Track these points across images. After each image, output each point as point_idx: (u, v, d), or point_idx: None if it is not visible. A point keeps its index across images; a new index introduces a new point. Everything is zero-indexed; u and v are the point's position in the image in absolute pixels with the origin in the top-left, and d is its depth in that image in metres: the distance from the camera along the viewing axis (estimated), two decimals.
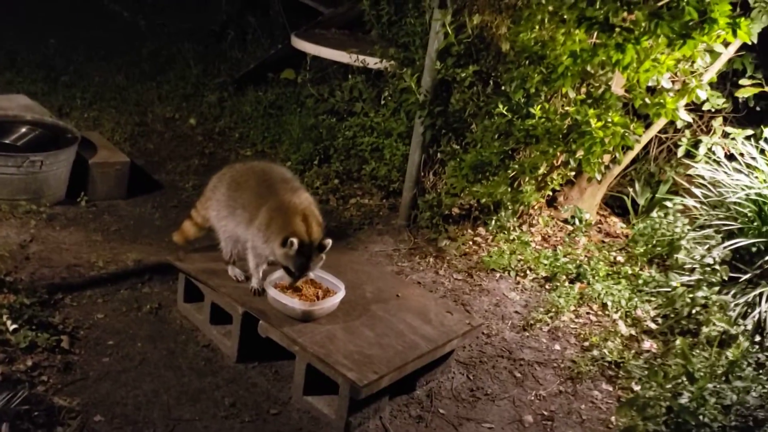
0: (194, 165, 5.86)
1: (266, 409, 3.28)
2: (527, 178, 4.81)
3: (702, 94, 4.19)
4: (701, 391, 3.23)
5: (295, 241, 3.20)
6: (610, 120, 4.13)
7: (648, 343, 4.07)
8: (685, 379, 3.56)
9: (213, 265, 3.72)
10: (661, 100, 4.09)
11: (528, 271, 4.69)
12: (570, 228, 5.32)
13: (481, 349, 3.94)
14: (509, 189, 4.76)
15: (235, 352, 3.54)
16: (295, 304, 3.32)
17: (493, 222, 4.97)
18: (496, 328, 4.14)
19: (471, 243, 4.94)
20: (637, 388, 3.68)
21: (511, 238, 4.98)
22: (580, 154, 4.36)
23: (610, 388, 3.72)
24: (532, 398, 3.61)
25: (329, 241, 3.34)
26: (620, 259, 4.96)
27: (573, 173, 5.03)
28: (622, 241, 5.30)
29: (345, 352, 3.19)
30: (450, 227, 5.04)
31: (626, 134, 4.17)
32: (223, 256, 3.66)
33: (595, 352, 3.94)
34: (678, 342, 3.88)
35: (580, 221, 5.33)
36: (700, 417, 3.10)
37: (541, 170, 4.81)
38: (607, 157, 4.69)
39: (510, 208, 4.92)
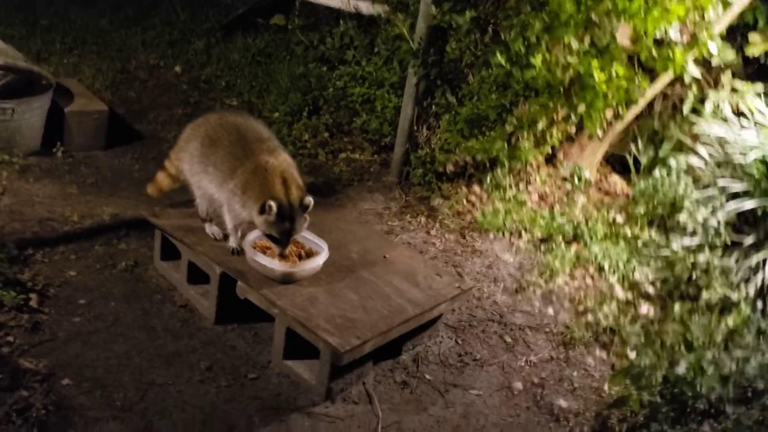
0: (177, 115, 5.61)
1: (244, 374, 3.13)
2: (525, 134, 4.58)
3: (713, 48, 3.94)
4: (699, 360, 3.08)
5: (273, 204, 3.00)
6: (614, 73, 3.89)
7: (645, 308, 3.91)
8: (682, 347, 3.42)
9: (190, 221, 3.53)
10: (669, 53, 3.84)
11: (523, 232, 4.51)
12: (569, 186, 5.11)
13: (472, 313, 3.78)
14: (506, 145, 4.54)
15: (213, 313, 3.37)
16: (275, 266, 3.14)
17: (489, 180, 4.76)
18: (488, 291, 3.97)
19: (465, 202, 4.74)
20: (632, 355, 3.53)
21: (507, 197, 4.78)
22: (581, 108, 4.13)
23: (604, 355, 3.58)
24: (523, 364, 3.46)
25: (311, 199, 3.14)
26: (619, 219, 4.76)
27: (574, 129, 4.80)
28: (622, 200, 5.09)
29: (327, 316, 3.02)
30: (443, 185, 4.83)
31: (631, 88, 3.93)
32: (198, 213, 3.47)
33: (590, 317, 3.79)
34: (676, 308, 3.72)
35: (580, 180, 5.12)
36: (697, 387, 2.95)
37: (541, 125, 4.57)
38: (609, 113, 4.46)
39: (506, 165, 4.70)
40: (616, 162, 5.56)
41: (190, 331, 3.33)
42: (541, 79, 4.17)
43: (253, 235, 3.30)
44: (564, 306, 3.92)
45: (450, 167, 5.00)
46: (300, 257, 3.29)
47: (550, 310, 3.87)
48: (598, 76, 3.90)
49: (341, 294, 3.20)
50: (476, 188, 4.89)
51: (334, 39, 5.88)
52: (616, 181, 5.42)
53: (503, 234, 4.50)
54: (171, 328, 3.32)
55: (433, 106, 4.83)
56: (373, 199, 4.75)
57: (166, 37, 6.86)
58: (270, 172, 3.15)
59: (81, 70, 5.94)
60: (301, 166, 4.97)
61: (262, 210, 3.03)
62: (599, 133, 4.31)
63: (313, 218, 3.31)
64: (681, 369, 3.07)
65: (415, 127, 4.88)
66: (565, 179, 5.21)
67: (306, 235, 3.36)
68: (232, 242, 3.34)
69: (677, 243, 4.07)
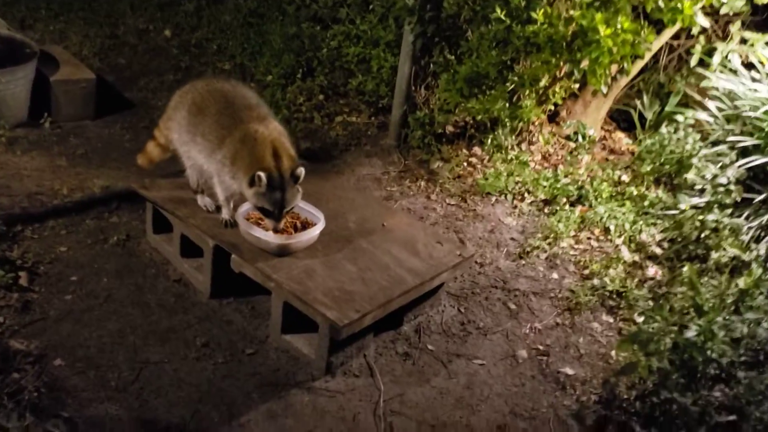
0: (168, 81, 5.44)
1: (241, 349, 3.05)
2: (527, 92, 4.43)
3: None
4: (710, 324, 2.98)
5: (263, 175, 2.87)
6: (619, 26, 3.71)
7: (652, 270, 3.81)
8: (692, 310, 3.32)
9: (182, 193, 3.41)
10: (678, 4, 3.66)
11: (526, 194, 4.39)
12: (572, 145, 4.96)
13: (474, 280, 3.68)
14: (507, 104, 4.39)
15: (208, 287, 3.28)
16: (270, 237, 3.03)
17: (490, 141, 4.62)
18: (491, 257, 3.87)
19: (465, 164, 4.61)
20: (639, 319, 3.43)
21: (509, 158, 4.64)
22: (585, 64, 3.96)
23: (611, 320, 3.49)
24: (527, 331, 3.38)
25: (302, 170, 3.01)
26: (625, 178, 4.63)
27: (577, 85, 4.64)
28: (627, 158, 4.95)
29: (324, 289, 2.93)
30: (443, 147, 4.69)
31: (637, 42, 3.76)
32: (190, 185, 3.35)
33: (596, 281, 3.69)
34: (685, 269, 3.62)
35: (584, 138, 4.97)
36: (708, 352, 2.86)
37: (543, 82, 4.42)
38: (614, 68, 4.28)
39: (508, 125, 4.56)
40: (620, 118, 5.42)
41: (185, 306, 3.24)
42: (542, 34, 3.99)
43: (246, 206, 3.18)
44: (569, 270, 3.82)
45: (450, 128, 4.86)
46: (296, 228, 3.18)
47: (555, 275, 3.78)
48: (603, 30, 3.72)
49: (339, 265, 3.10)
50: (477, 149, 4.75)
51: None
52: (621, 138, 5.28)
53: (505, 197, 4.38)
54: (165, 304, 3.23)
55: (431, 65, 4.66)
56: (371, 163, 4.62)
57: (155, 0, 6.62)
58: (259, 141, 3.02)
59: (68, 37, 5.75)
60: (295, 131, 4.85)
61: (252, 182, 2.91)
62: (604, 89, 4.14)
63: (309, 187, 3.20)
64: (690, 333, 2.97)
65: (413, 88, 4.71)
66: (568, 138, 5.06)
67: (302, 205, 3.24)
68: (225, 214, 3.23)
69: (685, 202, 3.94)
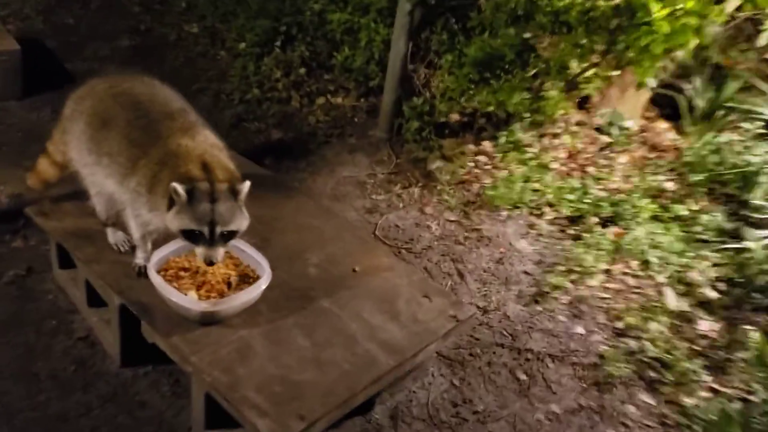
0: (122, 47, 4.57)
1: None
2: (553, 81, 3.51)
3: None
4: None
5: (178, 186, 2.04)
6: (680, 6, 2.77)
7: (705, 325, 2.96)
8: (759, 386, 2.50)
9: (93, 222, 2.57)
10: None
11: (546, 209, 3.52)
12: (605, 140, 4.06)
13: (474, 334, 2.86)
14: (527, 95, 3.48)
15: (118, 352, 2.48)
16: (188, 303, 2.21)
17: (504, 138, 3.72)
18: (497, 299, 3.03)
19: (472, 165, 3.73)
20: (688, 401, 2.61)
21: (526, 157, 3.76)
22: (630, 53, 3.04)
23: (652, 401, 2.66)
24: (541, 418, 2.56)
25: (246, 184, 2.15)
26: (670, 186, 3.73)
27: (618, 73, 3.70)
28: (671, 157, 4.04)
29: (260, 381, 2.12)
30: (445, 142, 3.82)
31: (702, 26, 2.82)
32: (97, 215, 2.51)
33: (632, 342, 2.85)
34: (755, 339, 2.76)
35: (620, 130, 4.06)
36: None
37: (574, 68, 3.49)
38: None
39: (527, 118, 3.65)
40: (664, 102, 4.45)
41: (87, 378, 2.44)
42: (575, 10, 3.06)
43: (165, 251, 2.35)
44: (598, 321, 2.98)
45: (454, 117, 3.96)
46: (229, 285, 2.34)
47: (580, 329, 2.94)
48: (656, 9, 2.78)
49: (288, 338, 2.28)
50: (487, 145, 3.87)
51: None
52: (664, 130, 4.35)
53: (520, 211, 3.51)
54: (61, 376, 2.44)
55: (433, 41, 3.73)
56: (355, 161, 3.75)
57: None
58: (182, 157, 2.16)
59: None
60: (267, 116, 3.98)
61: (172, 202, 2.08)
62: (651, 83, 3.22)
63: (262, 211, 2.37)
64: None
65: (410, 68, 3.81)
66: (599, 129, 4.15)
67: (242, 247, 2.41)
68: (140, 258, 2.40)
69: (751, 237, 3.06)
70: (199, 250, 2.13)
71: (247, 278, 2.37)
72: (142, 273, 2.37)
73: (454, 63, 3.55)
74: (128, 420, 2.33)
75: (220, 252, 2.14)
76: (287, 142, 3.87)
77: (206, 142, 2.27)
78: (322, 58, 4.39)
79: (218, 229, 2.10)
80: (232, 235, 2.15)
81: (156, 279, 2.24)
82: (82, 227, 2.57)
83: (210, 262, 2.14)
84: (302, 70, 4.37)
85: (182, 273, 2.34)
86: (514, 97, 3.40)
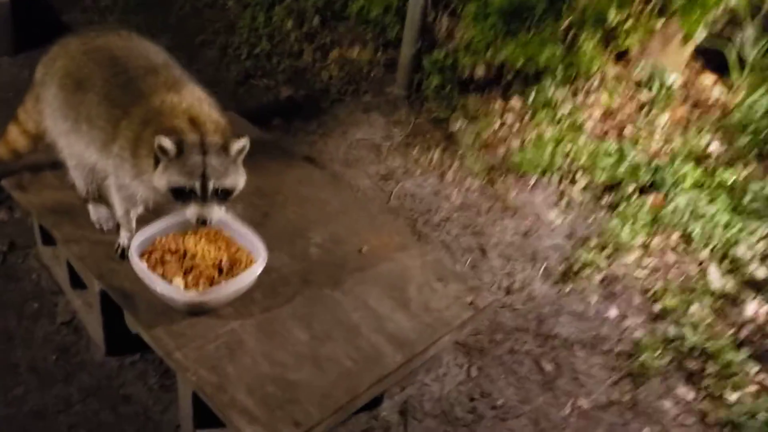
0: None
1: None
2: (589, 33, 3.15)
3: None
4: None
5: (165, 139, 1.80)
6: None
7: (752, 307, 2.67)
8: None
9: (75, 195, 2.34)
10: None
11: (579, 175, 3.21)
12: (645, 96, 3.70)
13: (495, 317, 2.60)
14: (560, 48, 3.14)
15: (103, 340, 2.28)
16: (173, 293, 1.97)
17: (534, 94, 3.39)
18: (522, 277, 2.77)
19: (498, 126, 3.42)
20: (732, 397, 2.35)
21: (558, 117, 3.43)
22: (678, 2, 2.67)
23: (691, 394, 2.40)
24: (567, 413, 2.32)
25: (245, 140, 1.90)
26: (715, 149, 3.39)
27: (661, 22, 3.32)
28: (718, 116, 3.67)
29: (251, 381, 1.89)
30: (468, 99, 3.49)
31: None
32: (77, 191, 2.27)
33: (671, 328, 2.57)
34: None
35: (662, 86, 3.69)
36: None
37: (612, 19, 3.13)
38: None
39: (560, 75, 3.31)
40: (710, 55, 4.05)
41: (69, 369, 2.25)
42: None
43: (150, 231, 2.11)
44: (633, 304, 2.70)
45: (479, 72, 3.62)
46: (221, 270, 2.10)
47: (613, 311, 2.67)
48: None
49: (282, 331, 2.04)
50: (516, 102, 3.54)
51: None
52: (709, 84, 3.95)
53: (549, 178, 3.21)
54: (40, 367, 2.25)
55: None
56: (370, 122, 3.46)
57: None
58: (166, 114, 1.91)
59: None
60: (276, 73, 3.69)
61: (158, 160, 1.85)
62: (701, 34, 2.85)
63: (262, 181, 2.13)
64: None
65: (431, 17, 3.47)
66: (639, 84, 3.78)
67: (235, 227, 2.16)
68: (123, 237, 2.17)
69: None
70: (191, 210, 1.88)
71: (236, 263, 2.12)
72: (125, 255, 2.14)
73: (479, 12, 3.21)
74: (110, 417, 2.14)
75: (214, 210, 1.89)
76: (298, 101, 3.58)
77: (193, 96, 2.00)
78: (337, 7, 4.05)
79: (211, 184, 1.86)
80: (227, 194, 1.91)
81: (138, 265, 2.01)
82: (63, 201, 2.34)
83: (203, 221, 1.89)
84: (316, 21, 4.04)
85: (168, 257, 2.10)
86: (545, 52, 3.05)
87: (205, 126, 1.91)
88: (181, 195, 1.88)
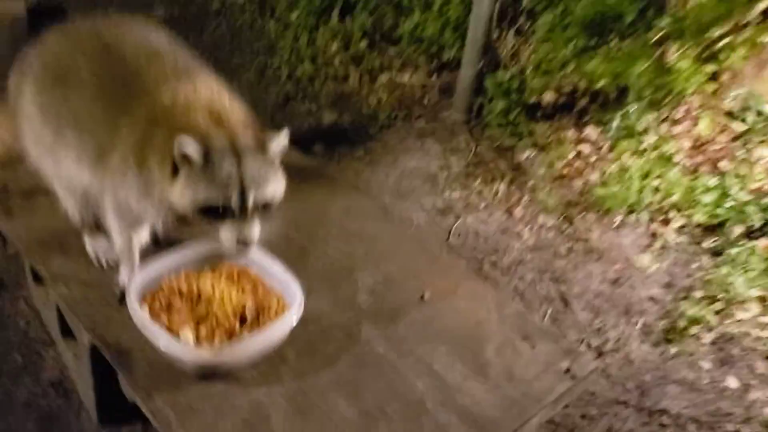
0: (156, 17, 3.94)
1: None
2: (685, 46, 2.67)
3: None
4: None
5: (189, 142, 1.39)
6: None
7: None
8: None
9: (70, 222, 1.91)
10: None
11: (673, 213, 2.70)
12: (738, 127, 3.19)
13: (587, 387, 2.07)
14: (652, 64, 2.67)
15: (94, 405, 1.81)
16: (178, 350, 1.51)
17: (617, 121, 2.91)
18: (616, 335, 2.25)
19: (573, 156, 2.94)
20: None
21: (643, 147, 2.94)
22: None
23: None
24: None
25: (284, 135, 1.49)
26: None
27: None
28: None
29: None
30: (537, 126, 3.04)
31: None
32: (70, 219, 1.84)
33: None
34: None
35: (758, 115, 3.19)
36: None
37: (713, 32, 2.65)
38: None
39: (647, 96, 2.83)
40: None
41: None
42: None
43: (155, 269, 1.66)
44: (756, 370, 2.16)
45: (549, 98, 3.17)
46: (243, 320, 1.63)
47: (732, 380, 2.13)
48: None
49: (322, 404, 1.55)
50: (591, 131, 3.07)
51: None
52: None
53: (637, 217, 2.70)
54: None
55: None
56: (425, 149, 3.02)
57: None
58: (181, 109, 1.49)
59: None
60: (321, 94, 3.30)
61: (176, 168, 1.42)
62: None
63: (303, 210, 1.70)
64: None
65: (495, 35, 3.04)
66: (730, 114, 3.28)
67: (264, 263, 1.70)
68: (123, 275, 1.73)
69: None
70: (226, 232, 1.47)
71: (263, 311, 1.65)
72: (124, 299, 1.68)
73: (554, 26, 2.77)
74: None
75: (255, 230, 1.47)
76: (342, 126, 3.17)
77: (210, 88, 1.57)
78: (386, 29, 3.67)
79: (252, 196, 1.44)
80: (267, 207, 1.49)
81: (135, 312, 1.55)
82: (56, 230, 1.91)
83: (245, 244, 1.47)
84: (363, 43, 3.66)
85: (177, 301, 1.64)
86: (634, 67, 2.58)
87: (233, 123, 1.48)
88: (211, 214, 1.44)
